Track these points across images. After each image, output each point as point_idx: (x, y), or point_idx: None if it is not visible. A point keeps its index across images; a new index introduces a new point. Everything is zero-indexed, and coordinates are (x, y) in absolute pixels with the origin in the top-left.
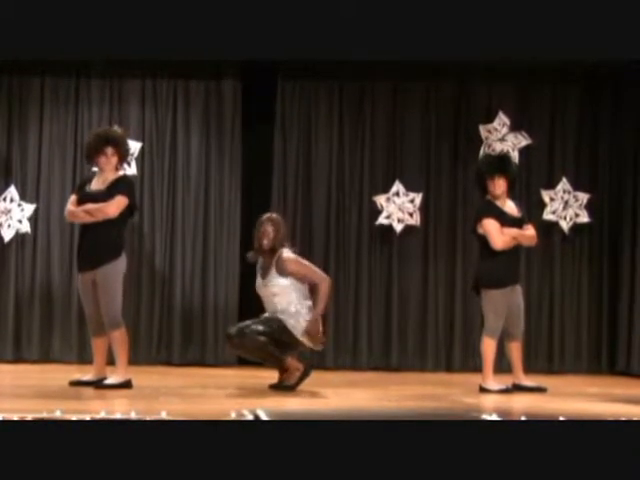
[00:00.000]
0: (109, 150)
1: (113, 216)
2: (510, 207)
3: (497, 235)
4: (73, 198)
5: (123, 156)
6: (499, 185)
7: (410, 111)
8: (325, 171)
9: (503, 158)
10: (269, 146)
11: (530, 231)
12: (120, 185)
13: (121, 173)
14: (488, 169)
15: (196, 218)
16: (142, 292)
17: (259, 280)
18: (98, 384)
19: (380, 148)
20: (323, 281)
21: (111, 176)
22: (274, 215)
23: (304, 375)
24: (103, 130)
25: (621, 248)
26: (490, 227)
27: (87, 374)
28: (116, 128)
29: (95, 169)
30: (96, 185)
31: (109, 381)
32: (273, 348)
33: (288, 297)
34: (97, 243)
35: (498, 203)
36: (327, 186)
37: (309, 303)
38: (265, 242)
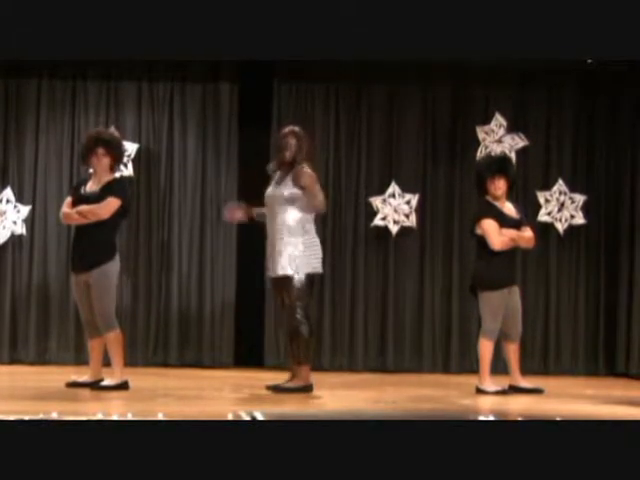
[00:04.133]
0: (100, 150)
1: (105, 218)
2: (509, 208)
3: (496, 236)
4: (68, 200)
5: (116, 158)
6: (499, 186)
7: (406, 112)
8: (321, 172)
9: (503, 159)
10: (266, 147)
11: (528, 233)
12: (113, 187)
13: (117, 175)
14: (488, 170)
15: (193, 219)
16: (139, 294)
17: (271, 188)
18: (94, 385)
19: (376, 149)
20: (320, 205)
21: (105, 177)
22: (297, 128)
23: (304, 389)
24: (95, 131)
25: (618, 249)
26: (489, 228)
27: (84, 375)
28: (112, 130)
29: (90, 170)
30: (91, 187)
31: (105, 383)
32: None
33: (295, 212)
34: (91, 245)
35: (497, 204)
36: (323, 187)
37: (310, 237)
38: (287, 154)
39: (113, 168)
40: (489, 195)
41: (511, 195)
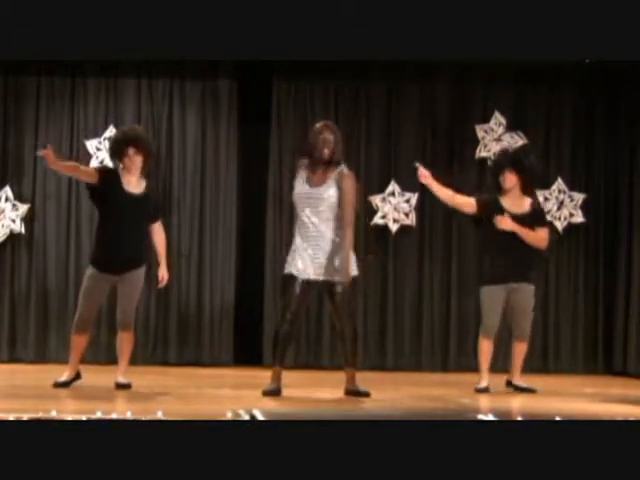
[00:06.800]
0: (130, 151)
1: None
2: (519, 205)
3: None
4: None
5: (147, 155)
6: (509, 179)
7: (406, 111)
8: None
9: (515, 153)
10: (265, 145)
11: (541, 233)
12: (159, 203)
13: (146, 180)
14: (499, 163)
15: (192, 217)
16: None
17: (305, 187)
18: (122, 386)
19: (376, 148)
20: (350, 219)
21: (141, 178)
22: (330, 123)
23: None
24: (121, 131)
25: (617, 248)
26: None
27: (64, 374)
28: (136, 127)
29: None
30: (130, 186)
31: (126, 381)
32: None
33: (334, 211)
34: (137, 247)
35: (507, 198)
36: None
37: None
38: (326, 151)
39: (145, 166)
40: (501, 184)
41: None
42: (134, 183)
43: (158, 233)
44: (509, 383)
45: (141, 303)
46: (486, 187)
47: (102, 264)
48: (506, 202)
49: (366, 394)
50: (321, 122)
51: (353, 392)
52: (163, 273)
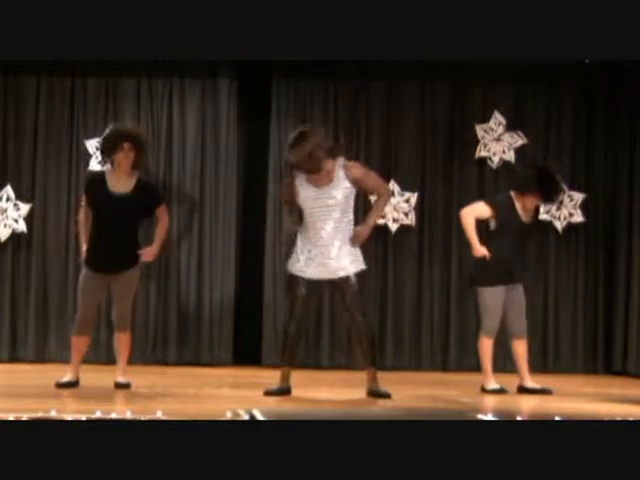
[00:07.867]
0: (126, 145)
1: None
2: (528, 212)
3: (469, 209)
4: (84, 204)
5: (141, 153)
6: (532, 202)
7: (405, 110)
8: None
9: (550, 181)
10: (265, 145)
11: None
12: (152, 192)
13: (137, 174)
14: (529, 186)
15: (192, 217)
16: (137, 291)
17: (311, 190)
18: (122, 385)
19: (375, 148)
20: (385, 190)
21: (130, 175)
22: (305, 129)
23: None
24: (119, 125)
25: (616, 247)
26: (472, 206)
27: (66, 375)
28: (133, 123)
29: (105, 167)
30: (117, 186)
31: (126, 381)
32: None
33: (343, 208)
34: (130, 246)
35: (517, 204)
36: None
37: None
38: (292, 158)
39: (136, 164)
40: (520, 196)
41: None
42: (123, 181)
43: (160, 219)
44: (521, 388)
45: (140, 303)
46: (486, 187)
47: (95, 264)
48: (522, 209)
49: (387, 395)
50: (296, 131)
51: (373, 393)
52: (149, 250)
